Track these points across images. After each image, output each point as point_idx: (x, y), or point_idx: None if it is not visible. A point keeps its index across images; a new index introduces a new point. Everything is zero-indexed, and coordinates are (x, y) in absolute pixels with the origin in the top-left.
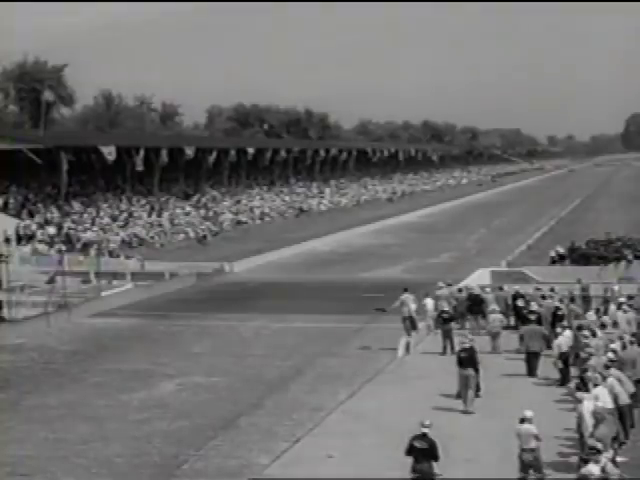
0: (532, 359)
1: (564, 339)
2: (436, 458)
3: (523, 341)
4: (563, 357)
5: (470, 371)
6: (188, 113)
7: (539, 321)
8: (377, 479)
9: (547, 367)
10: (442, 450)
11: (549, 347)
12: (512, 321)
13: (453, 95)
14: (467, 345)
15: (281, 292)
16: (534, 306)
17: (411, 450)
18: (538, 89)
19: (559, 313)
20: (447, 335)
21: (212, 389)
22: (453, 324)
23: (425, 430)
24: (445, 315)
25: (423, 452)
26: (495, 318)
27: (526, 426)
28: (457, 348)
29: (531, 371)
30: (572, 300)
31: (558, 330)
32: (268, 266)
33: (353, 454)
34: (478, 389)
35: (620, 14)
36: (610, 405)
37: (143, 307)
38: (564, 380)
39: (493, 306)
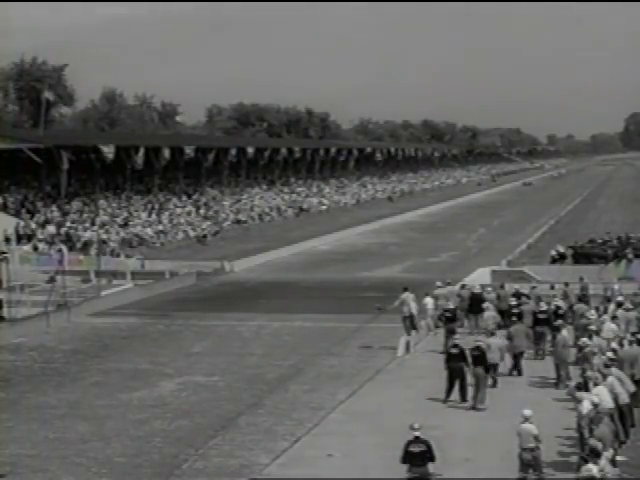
0: (519, 358)
1: (561, 338)
2: (433, 458)
3: (512, 341)
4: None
5: (480, 370)
6: (188, 112)
7: (547, 320)
8: (377, 479)
9: (547, 367)
10: (442, 450)
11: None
12: None
13: (453, 95)
14: (479, 344)
15: (281, 291)
16: (544, 306)
17: (407, 456)
18: (538, 89)
19: (560, 313)
20: (450, 334)
21: (212, 389)
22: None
23: (417, 433)
24: (448, 314)
25: (422, 455)
26: (489, 316)
27: (526, 426)
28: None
29: (519, 371)
30: (579, 300)
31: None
32: (268, 265)
33: (353, 454)
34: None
35: (621, 14)
36: (610, 405)
37: (143, 306)
38: (559, 381)
39: (486, 304)
